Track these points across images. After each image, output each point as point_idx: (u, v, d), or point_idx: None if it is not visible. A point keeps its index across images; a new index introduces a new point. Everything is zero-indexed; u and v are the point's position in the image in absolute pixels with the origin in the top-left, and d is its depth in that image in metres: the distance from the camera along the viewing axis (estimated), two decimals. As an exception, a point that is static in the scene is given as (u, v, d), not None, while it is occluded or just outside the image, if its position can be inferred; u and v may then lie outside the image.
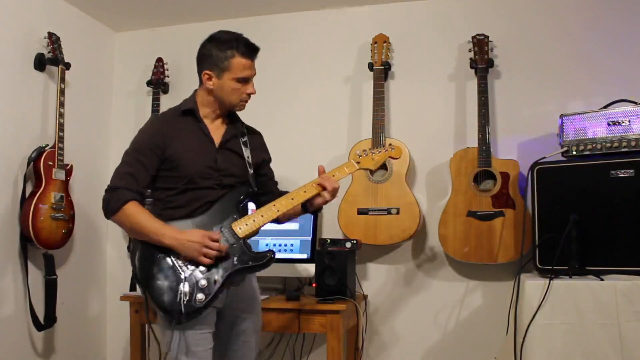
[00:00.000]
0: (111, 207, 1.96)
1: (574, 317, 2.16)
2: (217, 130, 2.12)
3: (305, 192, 2.07)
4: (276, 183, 2.34)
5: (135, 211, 1.94)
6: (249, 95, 2.09)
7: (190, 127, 2.07)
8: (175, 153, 2.01)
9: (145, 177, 2.00)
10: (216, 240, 1.93)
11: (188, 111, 2.09)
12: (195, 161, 2.03)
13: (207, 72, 2.05)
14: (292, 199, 2.07)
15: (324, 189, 2.05)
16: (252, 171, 2.14)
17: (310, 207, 2.11)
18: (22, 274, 2.83)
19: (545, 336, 2.16)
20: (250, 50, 2.05)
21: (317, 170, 2.12)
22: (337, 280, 2.63)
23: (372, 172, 2.22)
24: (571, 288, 2.19)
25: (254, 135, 2.26)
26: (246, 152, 2.14)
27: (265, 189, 2.24)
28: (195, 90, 2.14)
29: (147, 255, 1.95)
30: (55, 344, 3.06)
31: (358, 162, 2.17)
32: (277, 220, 2.16)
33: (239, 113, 2.19)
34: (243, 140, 2.16)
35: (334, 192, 2.07)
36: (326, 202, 2.08)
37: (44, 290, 2.93)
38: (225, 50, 2.02)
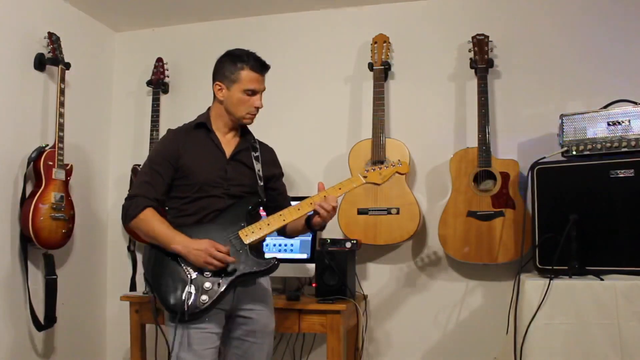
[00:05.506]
0: (130, 213, 2.07)
1: (574, 317, 2.16)
2: (228, 142, 2.22)
3: (311, 203, 2.15)
4: (288, 198, 2.39)
5: (150, 218, 2.05)
6: (256, 109, 2.18)
7: (202, 138, 2.19)
8: (187, 162, 2.13)
9: (162, 185, 2.12)
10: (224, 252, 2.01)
11: (201, 124, 2.20)
12: (205, 170, 2.13)
13: (219, 83, 2.17)
14: (299, 209, 2.15)
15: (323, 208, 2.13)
16: (262, 183, 2.22)
17: (314, 227, 2.21)
18: (22, 274, 2.83)
19: (545, 336, 2.16)
20: (259, 65, 2.16)
21: (317, 186, 2.19)
22: (337, 280, 2.63)
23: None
24: (571, 288, 2.19)
25: (266, 151, 2.34)
26: (257, 166, 2.23)
27: (275, 203, 2.30)
28: (210, 106, 2.24)
29: (157, 258, 2.06)
30: (55, 344, 3.06)
31: (365, 177, 2.26)
32: (286, 234, 2.30)
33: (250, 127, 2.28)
34: (255, 154, 2.25)
35: (332, 212, 2.15)
36: (325, 221, 2.17)
37: (44, 290, 2.93)
38: (236, 63, 2.14)
